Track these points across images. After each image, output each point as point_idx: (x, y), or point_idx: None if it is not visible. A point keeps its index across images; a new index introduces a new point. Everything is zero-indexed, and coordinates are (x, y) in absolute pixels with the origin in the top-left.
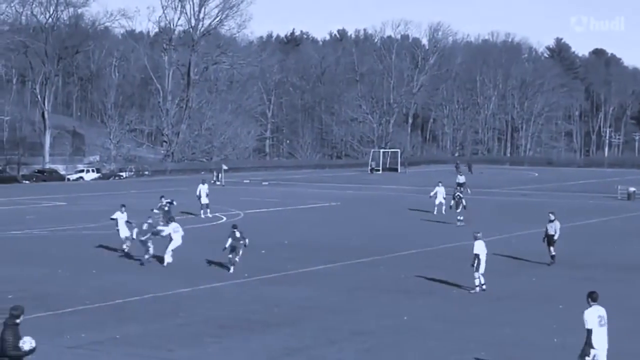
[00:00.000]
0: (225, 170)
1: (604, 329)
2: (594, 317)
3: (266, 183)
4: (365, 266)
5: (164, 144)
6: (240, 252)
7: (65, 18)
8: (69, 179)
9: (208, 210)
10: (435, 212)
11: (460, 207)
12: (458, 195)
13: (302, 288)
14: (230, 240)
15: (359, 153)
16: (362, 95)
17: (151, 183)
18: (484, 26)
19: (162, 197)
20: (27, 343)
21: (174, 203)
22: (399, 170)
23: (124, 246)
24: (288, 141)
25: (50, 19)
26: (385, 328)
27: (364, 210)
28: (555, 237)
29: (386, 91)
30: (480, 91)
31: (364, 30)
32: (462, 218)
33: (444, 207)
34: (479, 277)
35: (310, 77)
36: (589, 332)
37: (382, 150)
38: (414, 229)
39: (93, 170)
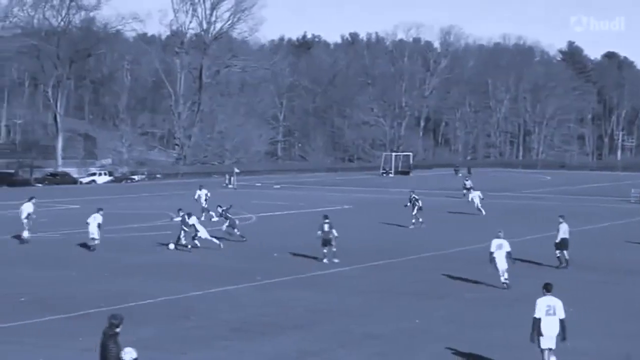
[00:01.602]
0: (237, 174)
1: (552, 318)
2: (543, 306)
3: (278, 186)
4: (379, 269)
5: (176, 147)
6: (334, 243)
7: (77, 21)
8: (81, 182)
9: (206, 215)
10: (484, 213)
11: (416, 209)
12: (414, 197)
13: (314, 291)
14: (320, 232)
15: (370, 156)
16: (374, 98)
17: (163, 186)
18: (496, 29)
19: (218, 206)
20: (128, 354)
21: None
22: (410, 174)
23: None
24: (300, 144)
25: (62, 22)
26: (397, 331)
27: (376, 214)
28: (557, 240)
29: (398, 94)
30: (492, 94)
31: (376, 33)
32: (414, 221)
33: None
34: (502, 274)
35: (322, 81)
36: (535, 319)
37: (393, 154)
38: (428, 232)
39: (105, 174)
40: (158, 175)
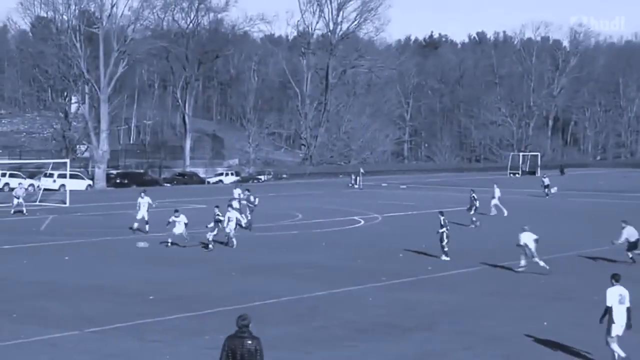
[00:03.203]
0: (363, 174)
1: (622, 307)
2: (615, 295)
3: (404, 186)
4: (504, 271)
5: (302, 147)
6: (447, 241)
7: (206, 23)
8: (209, 182)
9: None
10: (492, 213)
11: (473, 209)
12: (474, 197)
13: (438, 292)
14: (442, 229)
15: (498, 156)
16: (501, 98)
17: (289, 186)
18: (628, 27)
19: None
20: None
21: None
22: (537, 174)
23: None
24: (426, 144)
25: (191, 24)
26: (523, 334)
27: (501, 214)
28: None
29: (526, 94)
30: (623, 93)
31: (504, 32)
32: (475, 219)
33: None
34: (533, 261)
35: (448, 80)
36: (608, 308)
37: (521, 154)
38: (554, 232)
39: (232, 174)
40: (284, 176)
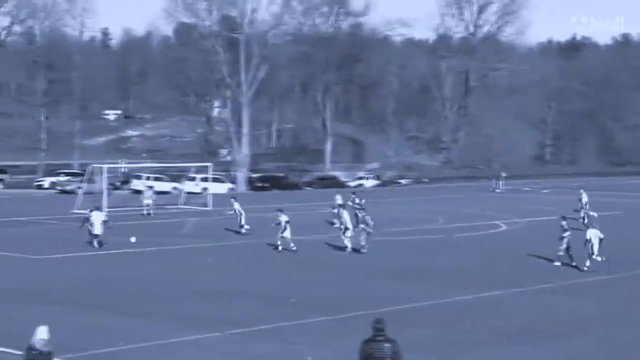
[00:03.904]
0: (505, 178)
1: None
2: None
3: (546, 191)
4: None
5: (443, 151)
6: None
7: (346, 27)
8: (349, 186)
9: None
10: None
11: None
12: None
13: (584, 298)
14: (564, 233)
15: None
16: None
17: (430, 190)
18: None
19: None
20: None
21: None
22: None
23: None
24: (569, 148)
25: (331, 29)
26: None
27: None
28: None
29: None
30: None
31: None
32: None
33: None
34: (595, 258)
35: (592, 83)
36: None
37: None
38: None
39: (373, 177)
40: (425, 179)
